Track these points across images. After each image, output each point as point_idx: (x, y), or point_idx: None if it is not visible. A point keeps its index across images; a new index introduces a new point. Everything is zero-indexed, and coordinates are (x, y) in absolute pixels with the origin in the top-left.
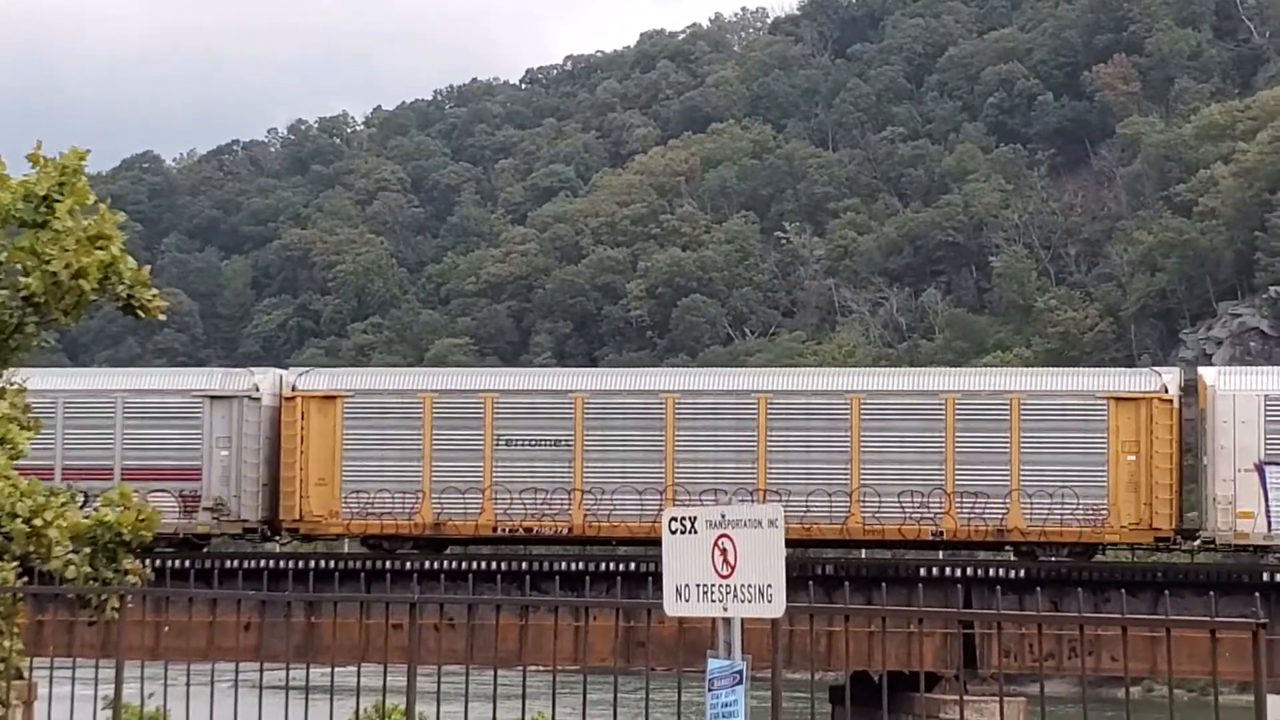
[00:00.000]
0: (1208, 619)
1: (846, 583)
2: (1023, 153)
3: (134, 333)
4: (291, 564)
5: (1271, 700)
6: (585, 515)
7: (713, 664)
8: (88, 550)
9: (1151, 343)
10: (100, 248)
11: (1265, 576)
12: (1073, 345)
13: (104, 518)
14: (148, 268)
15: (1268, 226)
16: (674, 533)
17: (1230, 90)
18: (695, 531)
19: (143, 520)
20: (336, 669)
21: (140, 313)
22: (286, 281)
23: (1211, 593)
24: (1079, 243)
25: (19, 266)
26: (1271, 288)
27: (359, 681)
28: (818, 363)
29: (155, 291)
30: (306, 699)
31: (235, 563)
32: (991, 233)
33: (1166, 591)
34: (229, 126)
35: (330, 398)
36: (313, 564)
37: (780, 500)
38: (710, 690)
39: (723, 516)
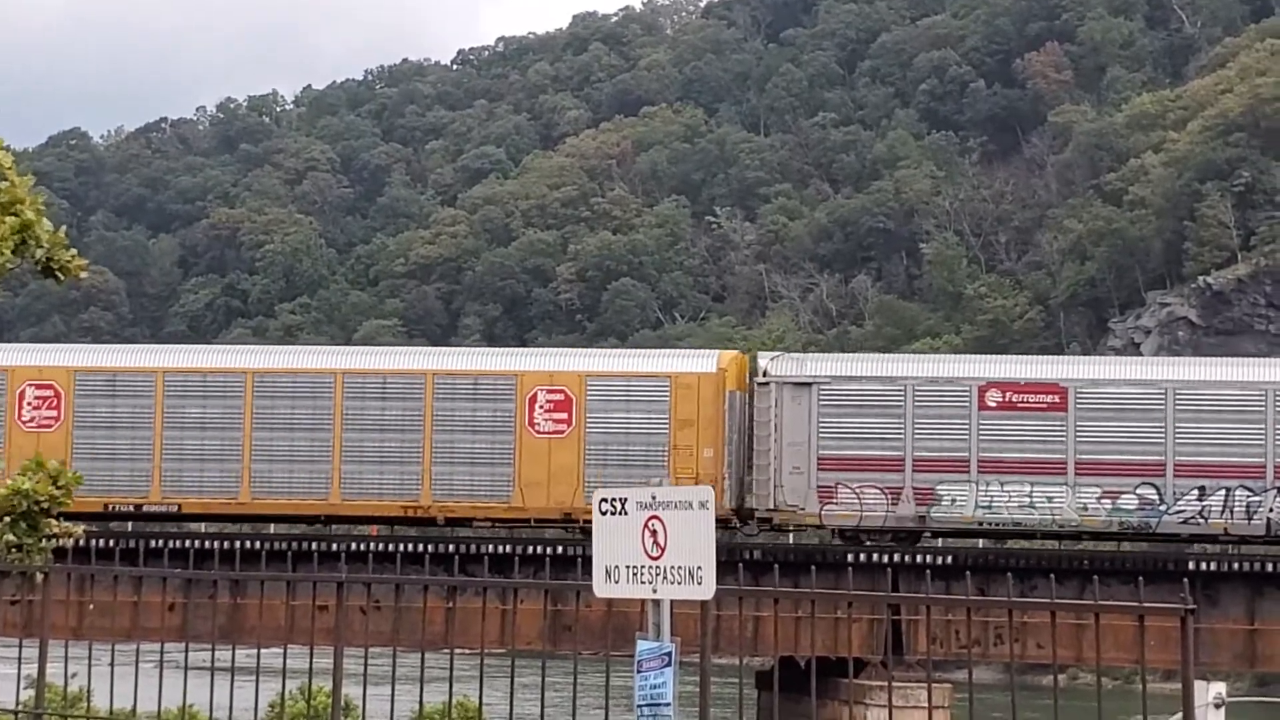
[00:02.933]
0: (1136, 604)
1: (775, 565)
2: (954, 140)
3: (59, 310)
4: (216, 544)
5: (1198, 686)
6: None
7: (642, 646)
8: (7, 520)
9: (1080, 331)
10: (14, 214)
11: (1192, 564)
12: (1002, 333)
13: (20, 486)
14: (64, 228)
15: (1197, 216)
16: (604, 514)
17: (1161, 80)
18: (625, 513)
19: (61, 488)
20: (262, 650)
21: (60, 275)
22: (214, 261)
23: (1140, 578)
24: (1009, 230)
25: None
26: (1200, 277)
27: (285, 663)
28: (748, 348)
29: (74, 252)
30: (232, 680)
31: (160, 542)
32: (922, 219)
33: (1095, 577)
34: (157, 104)
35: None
36: (238, 544)
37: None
38: (639, 672)
39: (653, 498)
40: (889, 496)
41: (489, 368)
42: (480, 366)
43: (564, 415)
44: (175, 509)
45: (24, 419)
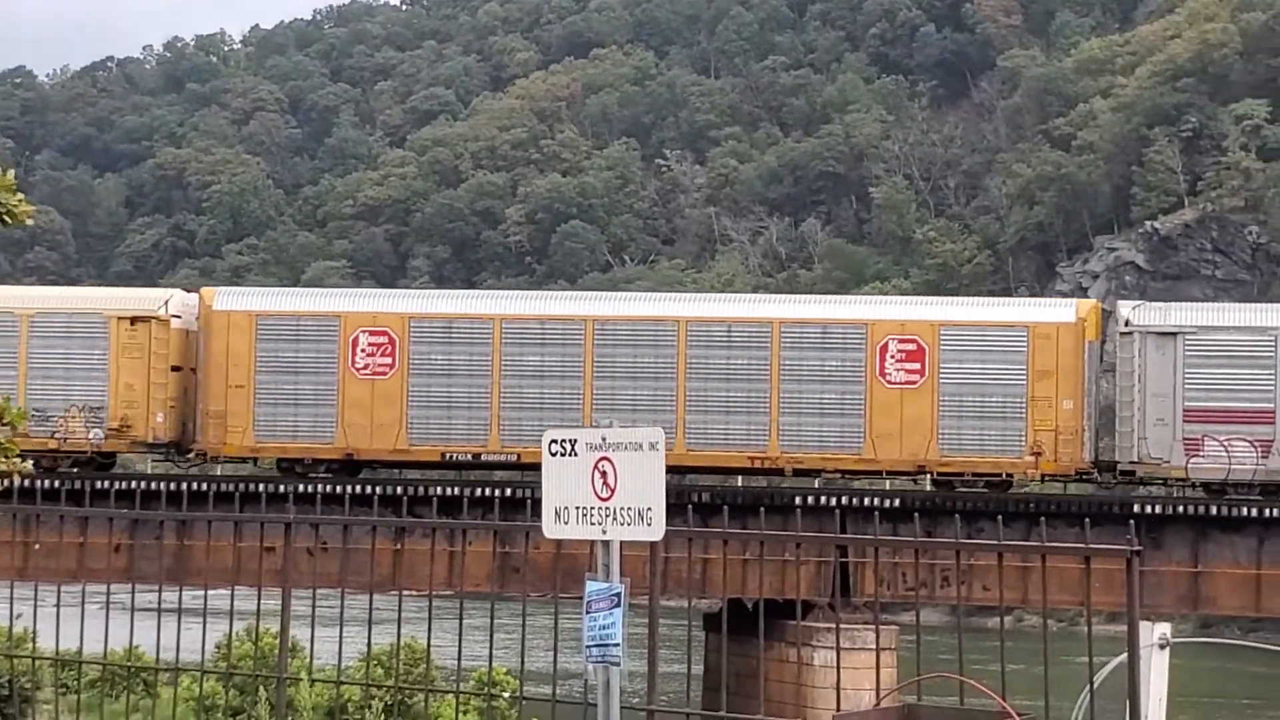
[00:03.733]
0: (1082, 546)
1: (725, 507)
2: (904, 84)
3: (3, 249)
4: (164, 485)
5: (1143, 627)
6: None
7: (591, 586)
8: None
9: (1029, 275)
10: None
11: (1137, 507)
12: (951, 277)
13: None
14: (11, 172)
15: (1145, 161)
16: (554, 455)
17: (1110, 25)
18: (575, 454)
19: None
20: (209, 591)
21: (7, 219)
22: (161, 201)
23: (1085, 521)
24: (958, 175)
25: None
26: (1147, 222)
27: (232, 604)
28: (697, 290)
29: (22, 196)
30: (179, 621)
31: (106, 483)
32: (872, 163)
33: (1042, 520)
34: (103, 43)
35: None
36: (185, 485)
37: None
38: (588, 613)
39: (603, 439)
40: (1259, 449)
41: (838, 316)
42: (829, 315)
43: (916, 365)
44: (515, 458)
45: (357, 366)
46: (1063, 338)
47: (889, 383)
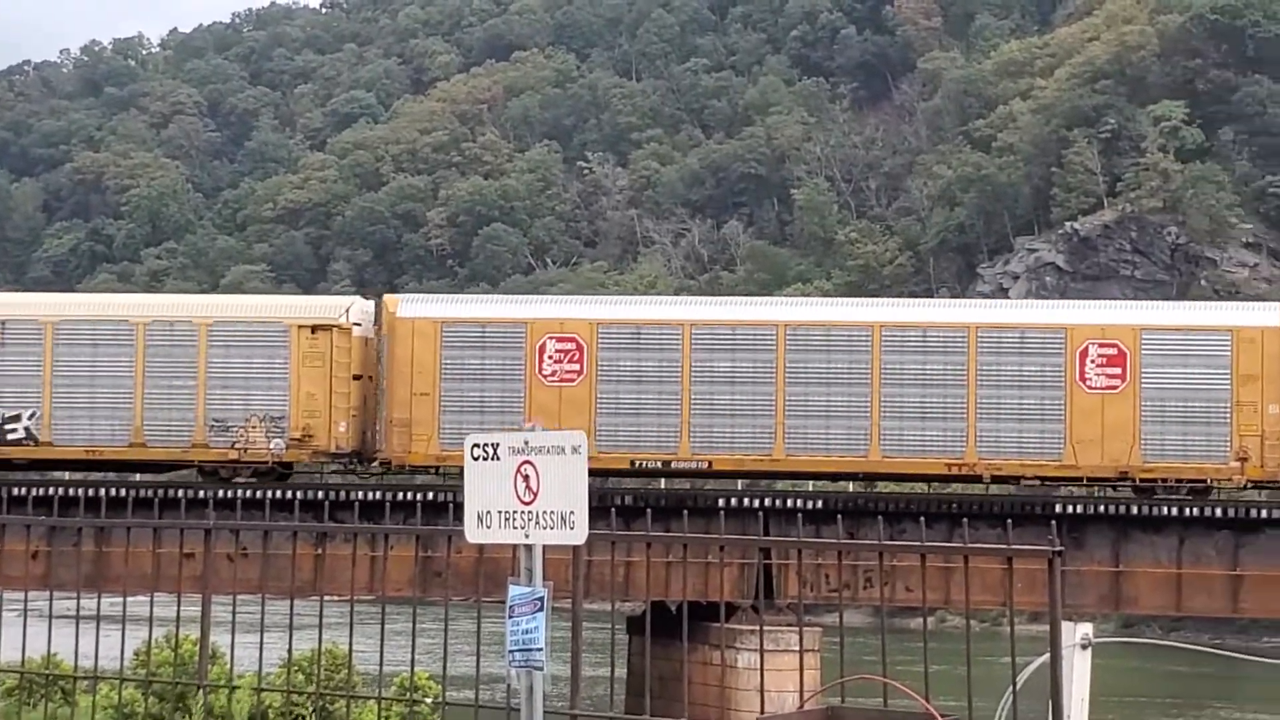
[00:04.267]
0: (1004, 547)
1: (648, 510)
2: (825, 86)
3: None
4: (82, 491)
5: (1065, 627)
6: None
7: (514, 591)
8: None
9: (949, 276)
10: None
11: (1059, 508)
12: (872, 278)
13: None
14: None
15: (1064, 163)
16: (476, 459)
17: (1029, 27)
18: (498, 458)
19: None
20: (128, 598)
21: None
22: (78, 205)
23: (1008, 521)
24: (880, 176)
25: None
26: (1067, 223)
27: (151, 611)
28: (619, 293)
29: None
30: (98, 629)
31: (23, 489)
32: (793, 165)
33: (964, 520)
34: (20, 46)
35: None
36: (103, 491)
37: None
38: (510, 618)
39: (526, 443)
40: None
41: (1036, 321)
42: (1027, 320)
43: (1117, 370)
44: (706, 466)
45: (545, 373)
46: (1268, 341)
47: (1089, 388)
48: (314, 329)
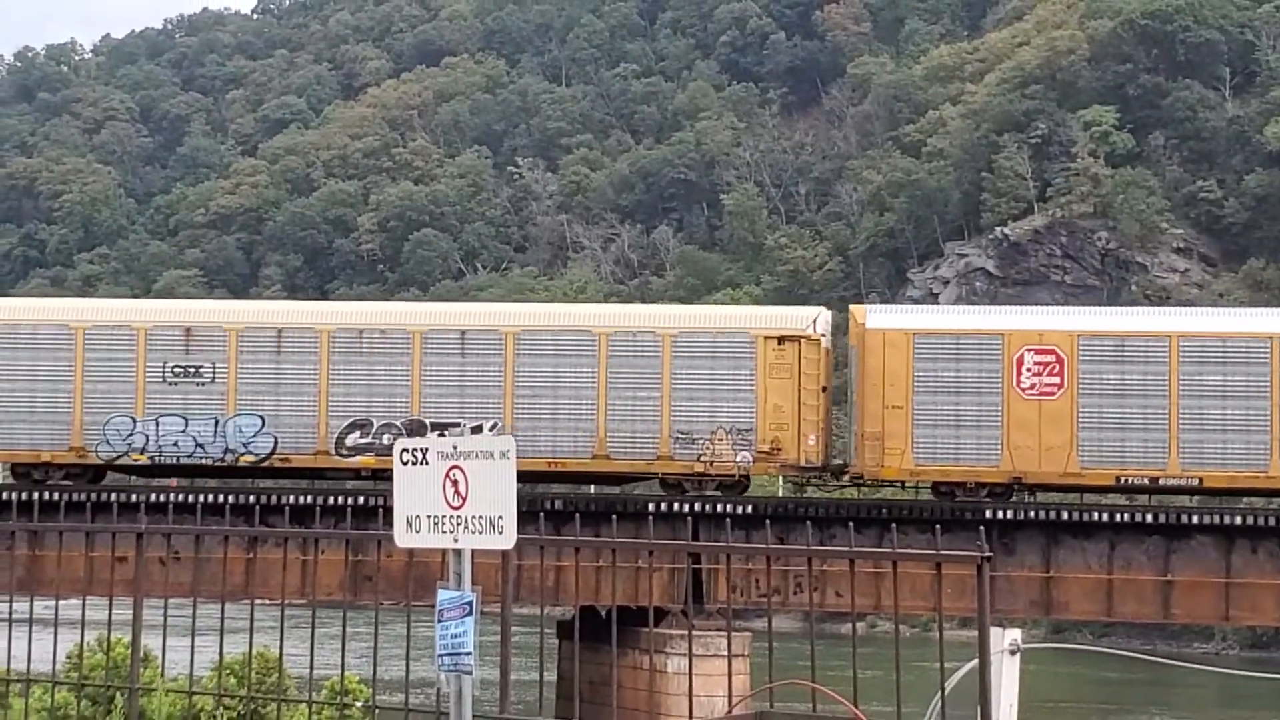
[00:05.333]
0: (934, 553)
1: (577, 515)
2: (755, 91)
3: None
4: (15, 495)
5: (994, 633)
6: None
7: (442, 595)
8: None
9: (880, 281)
10: None
11: (989, 513)
12: (802, 283)
13: None
14: None
15: (994, 168)
16: (405, 463)
17: (959, 32)
18: (426, 463)
19: None
20: (60, 601)
21: None
22: (11, 211)
23: (937, 527)
24: (809, 181)
25: None
26: (998, 228)
27: (84, 614)
28: (549, 298)
29: None
30: (30, 632)
31: None
32: (723, 170)
33: (894, 525)
34: None
35: None
36: (36, 495)
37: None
38: (440, 622)
39: (455, 448)
40: None
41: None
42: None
43: None
44: (1197, 482)
45: (1023, 386)
46: None
47: None
48: (781, 340)
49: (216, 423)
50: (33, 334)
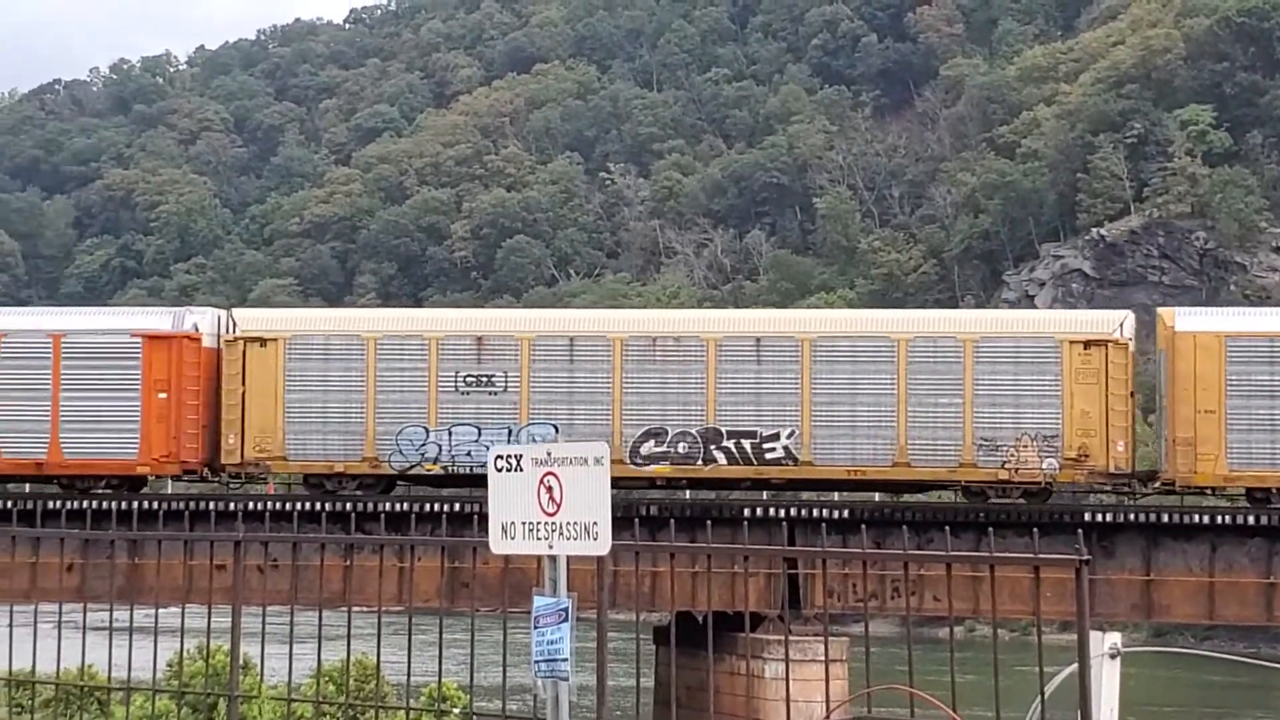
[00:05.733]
0: (1031, 556)
1: (672, 521)
2: (847, 94)
3: None
4: (114, 504)
5: (1094, 636)
6: None
7: (538, 602)
8: None
9: (975, 284)
10: None
11: (1088, 516)
12: (897, 286)
13: None
14: None
15: (1090, 168)
16: (500, 470)
17: (1053, 32)
18: (521, 469)
19: None
20: (160, 610)
21: None
22: (109, 222)
23: (1035, 530)
24: (903, 184)
25: None
26: (1093, 229)
27: (183, 622)
28: (642, 304)
29: None
30: (130, 640)
31: (58, 503)
32: (816, 174)
33: (991, 529)
34: (51, 66)
35: None
36: (135, 504)
37: None
38: (536, 628)
39: (549, 454)
40: None
41: None
42: None
43: None
44: None
45: None
46: None
47: None
48: (1086, 344)
49: (510, 432)
50: (325, 345)
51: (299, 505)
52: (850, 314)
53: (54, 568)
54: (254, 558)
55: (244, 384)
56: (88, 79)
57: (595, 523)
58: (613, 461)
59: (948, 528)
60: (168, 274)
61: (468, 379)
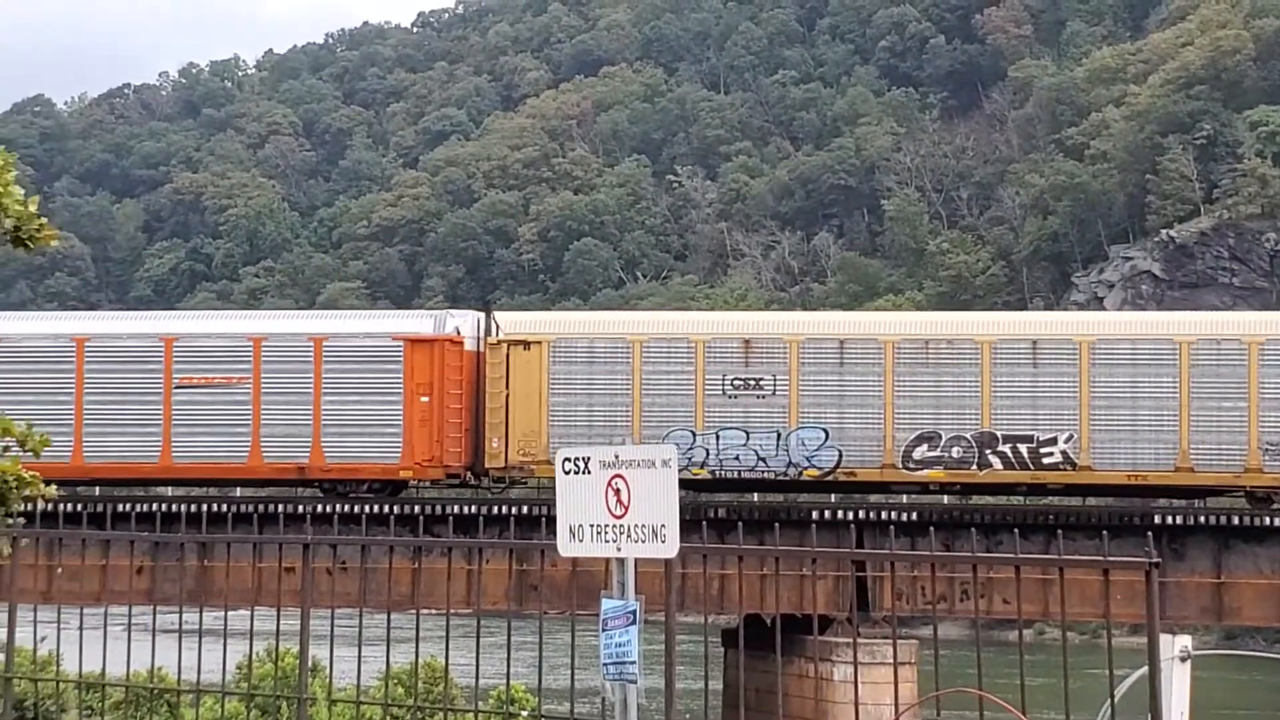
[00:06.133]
0: (1101, 559)
1: (740, 523)
2: (914, 96)
3: (25, 276)
4: (184, 507)
5: (1164, 639)
6: None
7: (607, 604)
8: None
9: (1043, 286)
10: None
11: (1158, 518)
12: (965, 288)
13: None
14: (36, 198)
15: (1159, 169)
16: (567, 473)
17: (1121, 33)
18: (589, 472)
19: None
20: (230, 612)
21: (29, 244)
22: (178, 225)
23: (1104, 533)
24: (971, 186)
25: None
26: (1163, 231)
27: (252, 625)
28: (710, 306)
29: (44, 221)
30: (200, 642)
31: (128, 505)
32: (883, 176)
33: (1060, 531)
34: (120, 70)
35: None
36: (205, 507)
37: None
38: (604, 631)
39: (616, 457)
40: None
41: None
42: None
43: None
44: None
45: None
46: None
47: None
48: None
49: (779, 435)
50: (590, 348)
51: (367, 508)
52: (1130, 316)
53: (124, 570)
54: (322, 560)
55: (508, 387)
56: (157, 83)
57: (663, 525)
58: (884, 466)
59: (1017, 530)
60: (236, 277)
61: (735, 382)
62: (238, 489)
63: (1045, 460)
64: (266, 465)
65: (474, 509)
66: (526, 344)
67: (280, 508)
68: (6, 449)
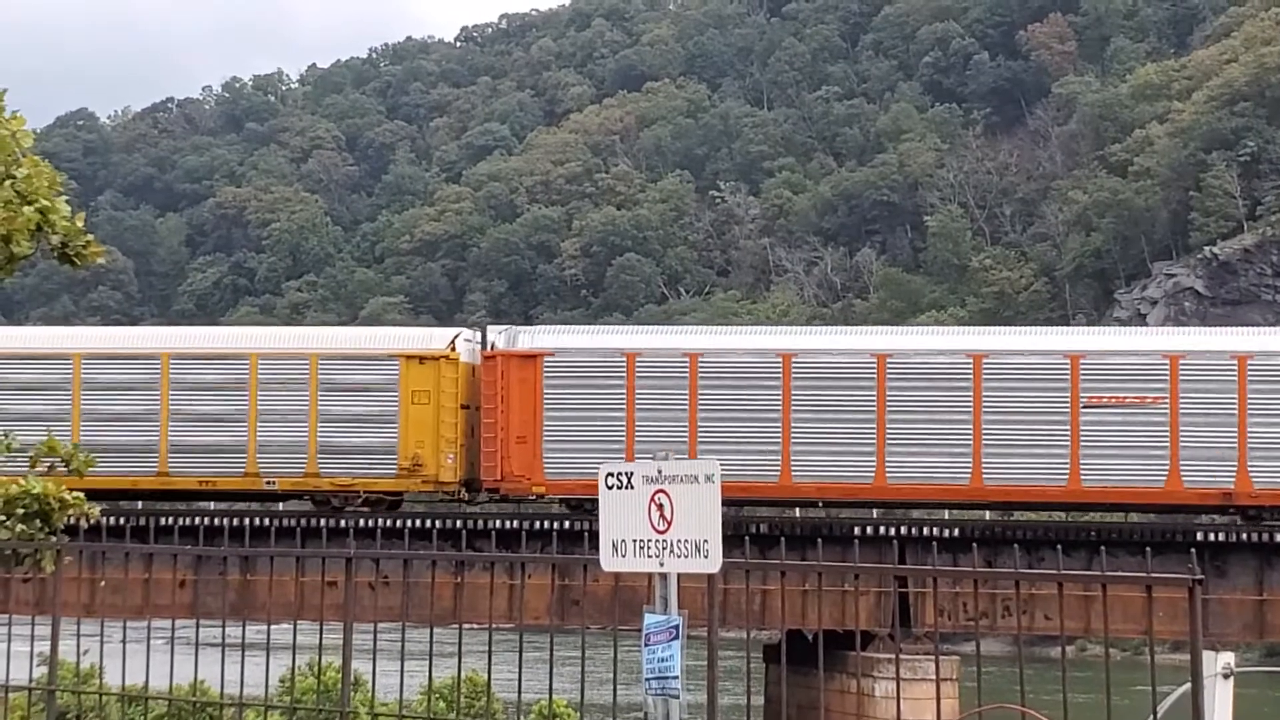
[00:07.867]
0: (1144, 575)
1: (782, 539)
2: (958, 112)
3: (69, 290)
4: (227, 521)
5: (1206, 656)
6: None
7: (649, 619)
8: (20, 513)
9: (1086, 302)
10: (29, 202)
11: (1200, 535)
12: (1008, 305)
13: (31, 489)
14: (82, 215)
15: (1203, 186)
16: (610, 488)
17: (1166, 50)
18: (631, 487)
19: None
20: (272, 626)
21: (76, 260)
22: (221, 239)
23: (1147, 549)
24: (1014, 202)
25: None
26: (1206, 248)
27: (294, 639)
28: (752, 322)
29: (90, 237)
30: (243, 656)
31: (171, 519)
32: (926, 192)
33: (1103, 548)
34: (163, 84)
35: None
36: (248, 521)
37: None
38: (646, 645)
39: (659, 472)
40: None
41: None
42: None
43: None
44: None
45: None
46: None
47: None
48: None
49: None
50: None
51: (410, 523)
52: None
53: (167, 583)
54: (365, 575)
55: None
56: (200, 97)
57: (706, 540)
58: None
59: (1059, 546)
60: (279, 291)
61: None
62: (280, 504)
63: None
64: (1187, 491)
65: (515, 524)
66: None
67: (323, 522)
68: (51, 467)
